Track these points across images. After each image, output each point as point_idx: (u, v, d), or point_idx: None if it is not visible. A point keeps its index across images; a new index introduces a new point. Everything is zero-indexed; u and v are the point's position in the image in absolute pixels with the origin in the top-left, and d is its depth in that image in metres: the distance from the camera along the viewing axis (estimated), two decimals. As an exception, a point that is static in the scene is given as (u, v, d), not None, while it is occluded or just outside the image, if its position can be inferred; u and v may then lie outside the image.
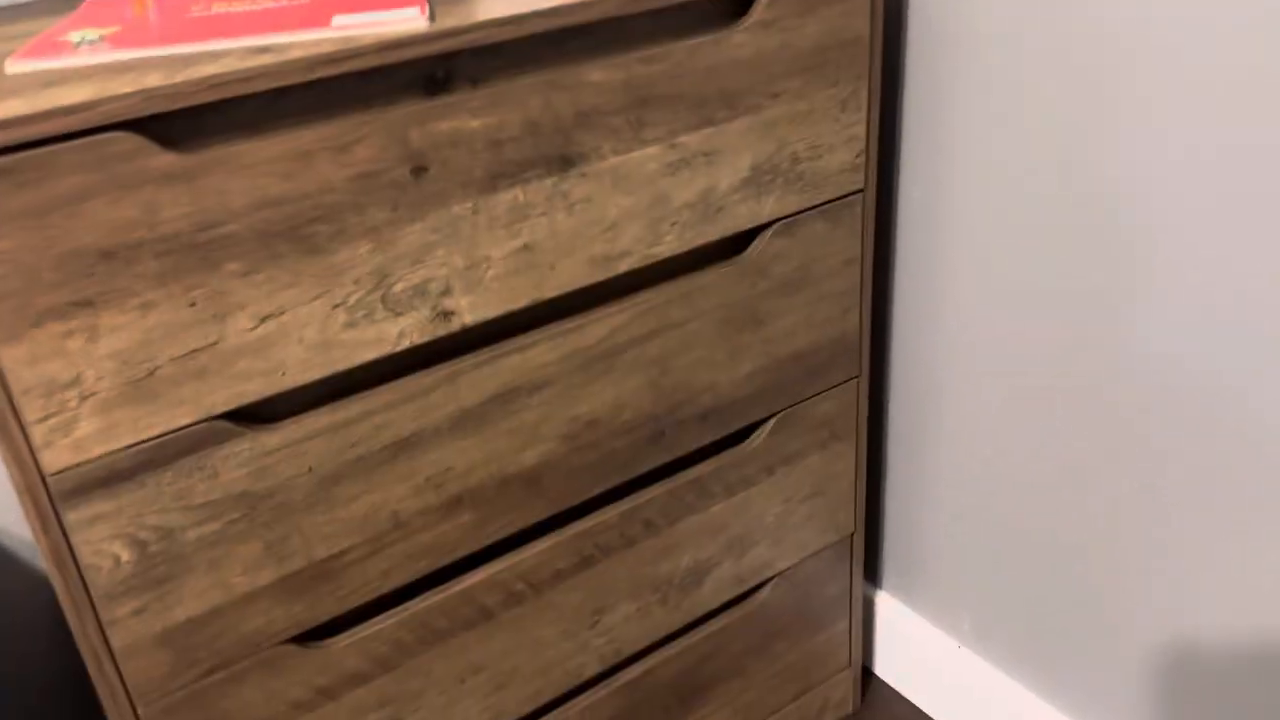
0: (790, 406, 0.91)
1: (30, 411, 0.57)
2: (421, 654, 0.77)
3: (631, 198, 0.74)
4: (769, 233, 0.82)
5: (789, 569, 0.99)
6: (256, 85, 0.57)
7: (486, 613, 0.80)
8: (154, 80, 0.55)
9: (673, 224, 0.76)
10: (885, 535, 1.12)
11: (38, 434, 0.57)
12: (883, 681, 1.18)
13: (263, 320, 0.62)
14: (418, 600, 0.76)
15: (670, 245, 0.77)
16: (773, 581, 0.99)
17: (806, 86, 0.79)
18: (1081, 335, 0.85)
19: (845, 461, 0.98)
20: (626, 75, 0.70)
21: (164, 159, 0.56)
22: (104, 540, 0.61)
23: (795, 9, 0.76)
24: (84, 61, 0.59)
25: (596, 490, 0.82)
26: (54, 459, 0.58)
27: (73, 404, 0.58)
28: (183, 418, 0.61)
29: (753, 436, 0.91)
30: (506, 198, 0.68)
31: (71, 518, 0.60)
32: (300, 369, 0.64)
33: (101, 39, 0.62)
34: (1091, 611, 0.92)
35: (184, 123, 0.57)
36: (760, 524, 0.94)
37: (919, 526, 1.08)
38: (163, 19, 0.65)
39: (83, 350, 0.57)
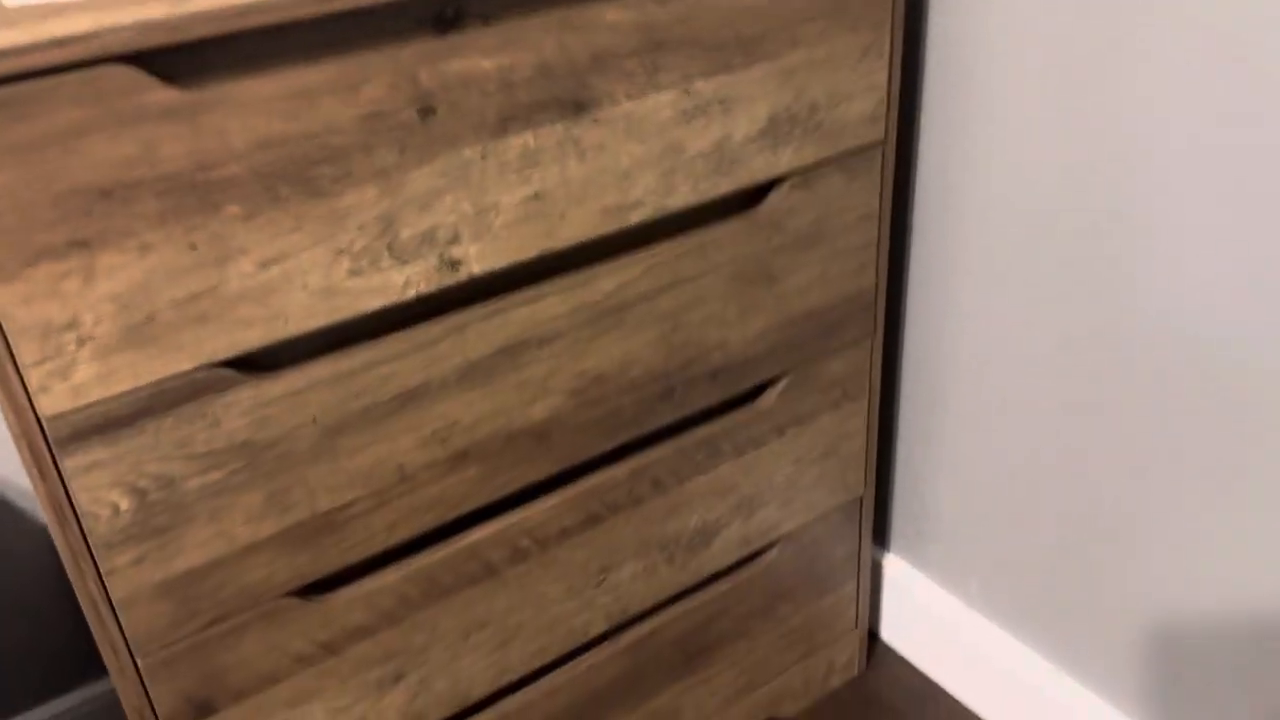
0: (802, 365, 0.90)
1: (26, 354, 0.55)
2: (426, 609, 0.76)
3: (644, 146, 0.72)
4: (785, 185, 0.80)
5: (797, 530, 0.98)
6: (261, 20, 0.55)
7: (492, 569, 0.79)
8: (155, 13, 0.53)
9: (686, 174, 0.74)
10: (894, 497, 1.11)
11: (34, 377, 0.56)
12: (888, 646, 1.18)
13: (264, 265, 0.60)
14: (422, 555, 0.75)
15: (684, 196, 0.75)
16: (780, 543, 0.98)
17: (826, 32, 0.77)
18: (1096, 302, 0.83)
19: (857, 422, 0.97)
20: (642, 17, 0.68)
21: (164, 94, 0.54)
22: (103, 488, 0.60)
23: (816, -48, 0.74)
24: (82, -7, 0.57)
25: (604, 447, 0.81)
26: (51, 403, 0.57)
27: (70, 347, 0.56)
28: (183, 364, 0.60)
29: (764, 395, 0.89)
30: (517, 143, 0.66)
31: (69, 464, 0.58)
32: (303, 317, 0.63)
33: (99, -30, 0.59)
34: (1099, 574, 0.91)
35: (186, 58, 0.55)
36: (770, 484, 0.93)
37: (928, 488, 1.06)
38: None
39: (80, 292, 0.55)
